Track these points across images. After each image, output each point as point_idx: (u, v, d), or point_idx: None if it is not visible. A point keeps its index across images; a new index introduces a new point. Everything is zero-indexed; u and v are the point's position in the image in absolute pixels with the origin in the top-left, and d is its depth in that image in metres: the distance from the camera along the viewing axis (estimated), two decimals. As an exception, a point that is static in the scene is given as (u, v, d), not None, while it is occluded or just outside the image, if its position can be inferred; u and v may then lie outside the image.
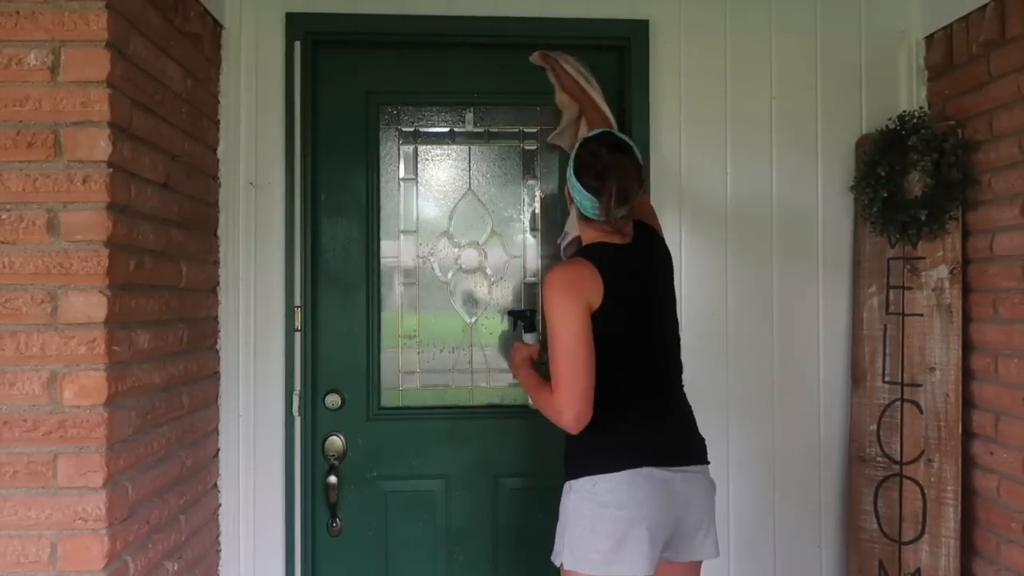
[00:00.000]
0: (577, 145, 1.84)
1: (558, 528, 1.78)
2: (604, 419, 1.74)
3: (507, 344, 2.35)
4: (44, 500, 1.55)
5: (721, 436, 2.35)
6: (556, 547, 1.78)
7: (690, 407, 1.89)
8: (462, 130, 2.45)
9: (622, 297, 1.75)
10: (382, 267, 2.39)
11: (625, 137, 1.87)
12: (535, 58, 2.28)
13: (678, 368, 1.90)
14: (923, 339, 2.23)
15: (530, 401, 2.07)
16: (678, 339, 1.92)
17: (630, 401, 1.78)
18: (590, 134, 1.86)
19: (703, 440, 1.87)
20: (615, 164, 1.76)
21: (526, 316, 2.25)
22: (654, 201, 2.32)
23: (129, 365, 1.66)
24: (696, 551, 1.80)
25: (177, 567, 1.91)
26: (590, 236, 1.85)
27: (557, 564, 1.77)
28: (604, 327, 1.73)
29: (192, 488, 2.04)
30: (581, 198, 1.79)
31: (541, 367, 1.95)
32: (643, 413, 1.78)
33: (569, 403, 1.71)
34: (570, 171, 1.82)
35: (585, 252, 1.82)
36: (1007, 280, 2.04)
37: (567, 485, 1.78)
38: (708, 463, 1.85)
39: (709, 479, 1.83)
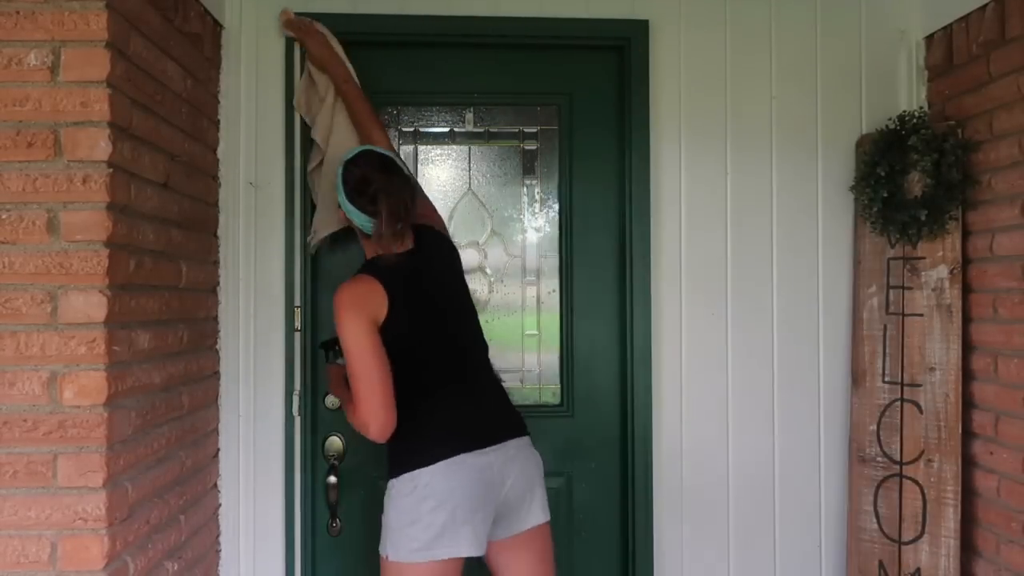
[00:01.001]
0: (341, 168, 1.88)
1: (383, 523, 1.85)
2: (414, 418, 1.82)
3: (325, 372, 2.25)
4: (44, 500, 1.55)
5: (721, 436, 2.35)
6: (382, 540, 1.84)
7: (500, 386, 1.97)
8: (462, 130, 2.45)
9: (408, 303, 1.82)
10: (382, 267, 2.39)
11: (386, 151, 1.95)
12: (286, 24, 2.25)
13: (481, 352, 1.98)
14: (923, 339, 2.23)
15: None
16: (475, 324, 1.99)
17: (435, 396, 1.85)
18: (348, 155, 1.90)
19: (519, 415, 1.95)
20: (387, 186, 1.83)
21: (333, 345, 2.16)
22: (654, 201, 2.34)
23: (129, 365, 1.66)
24: (524, 521, 1.88)
25: (177, 567, 1.91)
26: (372, 249, 1.93)
27: (383, 555, 1.83)
28: (396, 334, 1.80)
29: (192, 488, 2.04)
30: (360, 220, 1.87)
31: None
32: (449, 404, 1.85)
33: (370, 416, 1.77)
34: (341, 195, 1.87)
35: (368, 266, 1.89)
36: (1007, 280, 2.04)
37: (389, 484, 1.85)
38: (525, 434, 1.92)
39: (529, 450, 1.92)
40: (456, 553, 1.77)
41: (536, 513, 1.89)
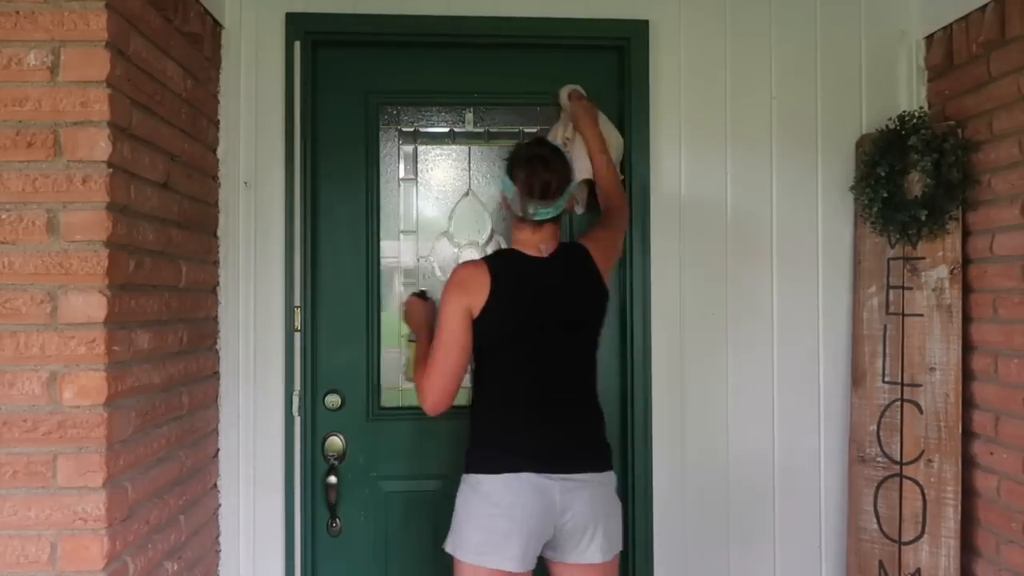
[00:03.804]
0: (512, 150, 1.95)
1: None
2: (497, 423, 1.87)
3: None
4: (44, 500, 1.55)
5: (721, 436, 2.35)
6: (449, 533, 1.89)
7: (594, 418, 1.95)
8: (462, 130, 2.45)
9: (511, 305, 1.84)
10: (382, 267, 2.39)
11: (558, 144, 2.02)
12: (569, 103, 2.25)
13: (582, 380, 1.95)
14: (923, 339, 2.23)
15: None
16: (584, 351, 1.96)
17: (520, 409, 1.87)
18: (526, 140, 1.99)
19: (601, 449, 1.93)
20: (539, 156, 1.87)
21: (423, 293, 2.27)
22: (655, 202, 2.34)
23: (129, 365, 1.66)
24: (580, 555, 1.86)
25: (177, 567, 1.91)
26: (513, 240, 1.95)
27: (445, 547, 1.87)
28: (489, 330, 1.84)
29: (192, 488, 2.04)
30: (511, 195, 1.88)
31: (410, 343, 2.15)
32: (529, 422, 1.87)
33: (430, 390, 1.86)
34: (504, 175, 1.92)
35: (492, 256, 1.94)
36: (1007, 280, 2.04)
37: (462, 478, 1.89)
38: (601, 471, 1.89)
39: (603, 489, 1.88)
40: (502, 565, 1.77)
41: (593, 552, 1.84)
